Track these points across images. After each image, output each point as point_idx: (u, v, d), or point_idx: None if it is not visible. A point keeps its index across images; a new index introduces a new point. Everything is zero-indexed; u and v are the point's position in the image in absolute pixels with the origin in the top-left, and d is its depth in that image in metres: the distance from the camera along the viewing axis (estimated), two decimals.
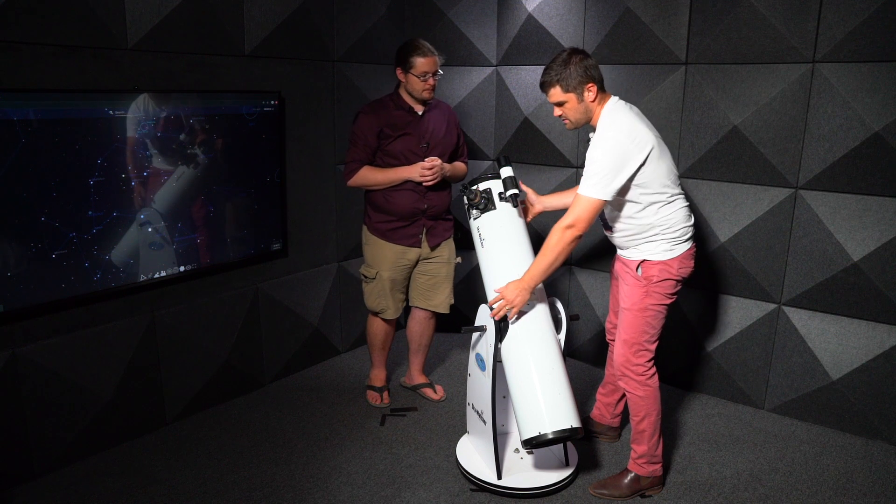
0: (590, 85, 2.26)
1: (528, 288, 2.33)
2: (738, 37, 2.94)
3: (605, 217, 2.46)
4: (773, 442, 2.94)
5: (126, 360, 2.76)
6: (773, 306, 3.11)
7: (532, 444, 2.28)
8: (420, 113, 2.90)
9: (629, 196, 2.30)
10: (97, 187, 2.49)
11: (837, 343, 2.96)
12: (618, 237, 2.44)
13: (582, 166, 3.49)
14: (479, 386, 2.57)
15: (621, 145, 2.20)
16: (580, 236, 2.28)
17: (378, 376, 3.27)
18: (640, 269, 2.38)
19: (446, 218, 3.09)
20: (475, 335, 2.58)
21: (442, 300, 3.15)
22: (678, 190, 2.37)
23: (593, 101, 2.29)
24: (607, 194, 2.21)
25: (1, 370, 2.39)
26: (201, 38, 2.79)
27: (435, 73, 2.82)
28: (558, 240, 2.27)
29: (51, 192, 2.36)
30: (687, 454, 2.83)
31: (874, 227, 2.78)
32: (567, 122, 2.36)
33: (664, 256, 2.35)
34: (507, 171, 2.56)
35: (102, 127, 2.47)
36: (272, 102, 3.09)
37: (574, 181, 3.55)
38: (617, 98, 2.36)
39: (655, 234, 2.34)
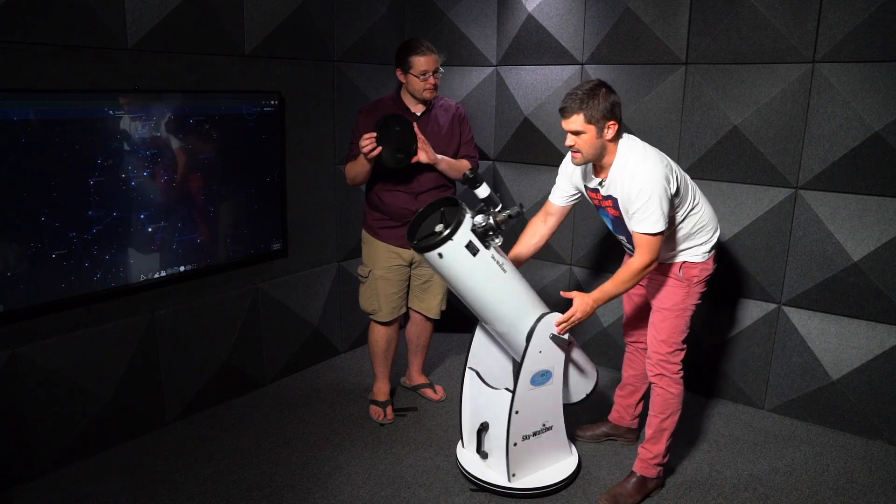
0: (612, 122, 2.18)
1: (595, 308, 2.34)
2: (738, 37, 2.94)
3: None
4: (773, 442, 2.94)
5: (126, 360, 2.76)
6: (773, 306, 3.11)
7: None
8: (418, 114, 2.86)
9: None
10: (97, 187, 2.49)
11: (837, 343, 2.96)
12: (660, 254, 2.42)
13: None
14: (542, 402, 2.50)
15: (662, 176, 2.19)
16: (654, 268, 2.31)
17: (381, 390, 3.16)
18: (681, 271, 2.41)
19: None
20: (535, 356, 2.43)
21: (433, 305, 3.11)
22: (698, 195, 2.41)
23: (610, 139, 2.21)
24: (666, 223, 2.22)
25: (1, 370, 2.39)
26: (201, 38, 2.78)
27: (435, 72, 2.77)
28: (636, 278, 2.28)
29: (51, 192, 2.36)
30: (687, 454, 2.83)
31: (874, 227, 2.78)
32: (577, 154, 2.24)
33: (704, 257, 2.41)
34: (486, 190, 2.37)
35: (102, 127, 2.47)
36: (272, 102, 3.09)
37: None
38: (625, 133, 2.30)
39: (694, 237, 2.39)
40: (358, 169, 2.81)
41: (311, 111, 3.35)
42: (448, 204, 2.36)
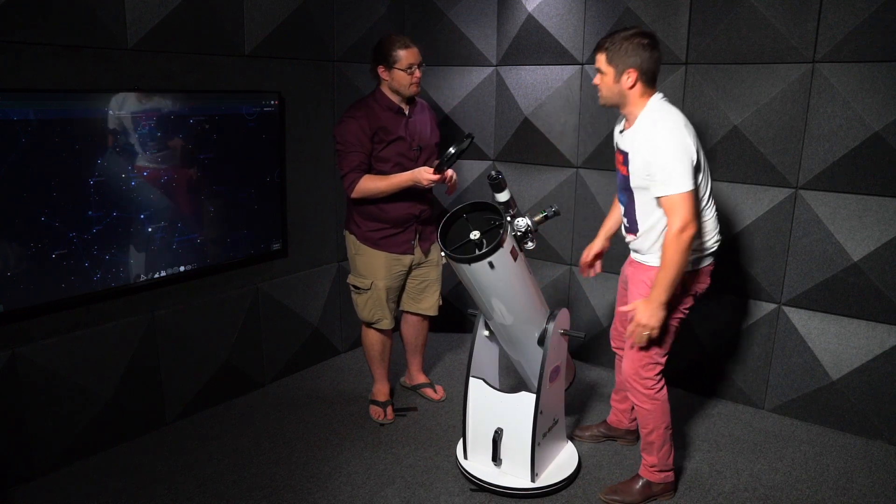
0: (630, 70, 2.12)
1: (661, 305, 2.18)
2: (738, 37, 2.94)
3: (634, 217, 2.32)
4: (773, 442, 2.94)
5: (126, 360, 2.76)
6: (773, 306, 3.11)
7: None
8: (407, 113, 2.83)
9: None
10: (97, 187, 2.49)
11: (837, 343, 2.96)
12: (642, 240, 2.32)
13: (582, 166, 3.51)
14: (556, 398, 2.58)
15: (682, 136, 2.11)
16: (695, 232, 2.12)
17: (381, 391, 3.16)
18: None
19: (433, 221, 3.00)
20: (553, 353, 2.42)
21: (431, 303, 3.11)
22: (710, 198, 2.30)
23: (630, 88, 2.15)
24: (692, 183, 2.09)
25: (1, 370, 2.39)
26: (201, 38, 2.79)
27: (420, 65, 2.74)
28: (678, 247, 2.09)
29: (51, 192, 2.36)
30: (687, 454, 2.83)
31: (874, 227, 2.78)
32: (600, 95, 2.22)
33: (692, 266, 2.28)
34: (507, 194, 2.32)
35: (103, 127, 2.48)
36: (272, 102, 3.09)
37: (574, 181, 3.56)
38: (661, 95, 2.23)
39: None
40: (383, 186, 2.73)
41: (311, 111, 3.35)
42: (471, 210, 2.28)
